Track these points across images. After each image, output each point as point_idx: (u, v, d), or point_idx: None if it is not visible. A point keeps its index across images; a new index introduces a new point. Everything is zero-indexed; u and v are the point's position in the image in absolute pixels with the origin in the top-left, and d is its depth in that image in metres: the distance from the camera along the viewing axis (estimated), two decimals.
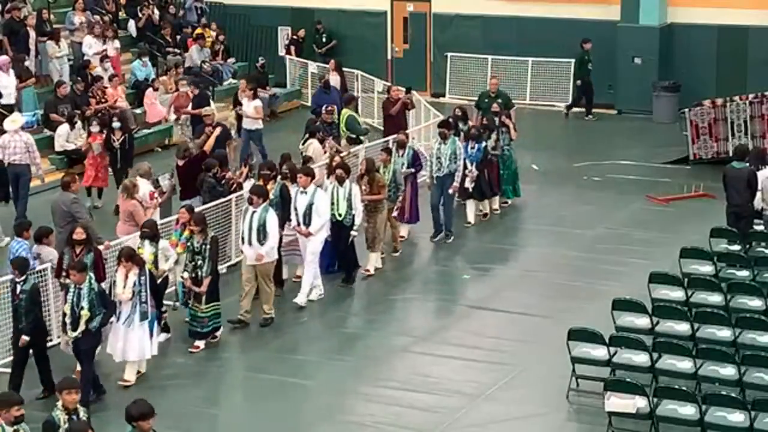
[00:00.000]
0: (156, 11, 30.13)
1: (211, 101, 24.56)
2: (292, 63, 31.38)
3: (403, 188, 18.95)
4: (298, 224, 16.93)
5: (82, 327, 13.59)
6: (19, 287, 13.89)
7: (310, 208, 16.78)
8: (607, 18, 28.69)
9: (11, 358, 14.34)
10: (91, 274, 13.89)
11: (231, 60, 30.29)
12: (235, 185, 18.61)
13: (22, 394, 11.81)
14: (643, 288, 15.82)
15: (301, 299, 16.97)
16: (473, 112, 22.85)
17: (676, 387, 12.88)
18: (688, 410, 12.51)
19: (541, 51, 29.53)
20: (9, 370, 14.22)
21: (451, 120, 21.17)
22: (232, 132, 23.00)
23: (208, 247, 15.38)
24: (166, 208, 18.62)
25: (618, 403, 12.76)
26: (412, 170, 19.36)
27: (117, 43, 27.69)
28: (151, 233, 15.38)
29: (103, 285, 14.44)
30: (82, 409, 10.94)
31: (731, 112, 23.65)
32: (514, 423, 13.72)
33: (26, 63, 24.80)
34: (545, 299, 17.26)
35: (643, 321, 14.67)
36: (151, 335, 14.62)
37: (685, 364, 13.54)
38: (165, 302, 16.10)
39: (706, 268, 16.49)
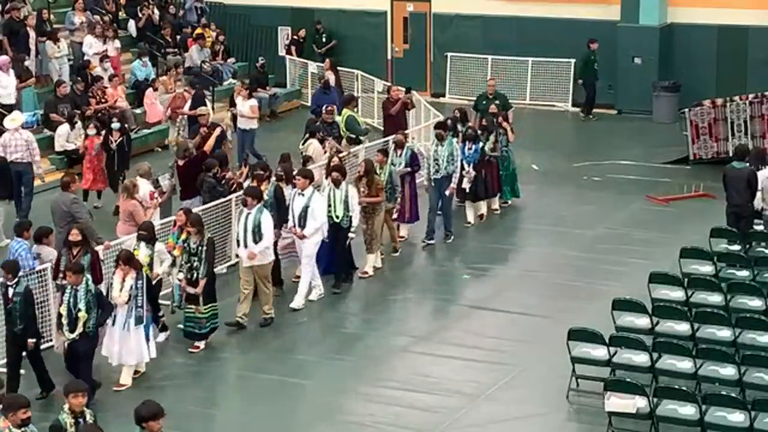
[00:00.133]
0: (156, 11, 30.13)
1: (207, 102, 24.51)
2: (292, 63, 31.38)
3: (400, 189, 18.93)
4: (294, 225, 16.90)
5: (80, 329, 13.57)
6: (11, 290, 13.80)
7: (306, 210, 16.75)
8: (607, 18, 28.68)
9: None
10: (88, 276, 13.86)
11: (231, 60, 30.28)
12: (235, 185, 18.61)
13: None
14: (643, 288, 15.81)
15: (297, 302, 16.96)
16: (472, 114, 22.84)
17: (676, 387, 12.88)
18: (688, 410, 12.51)
19: (541, 51, 29.52)
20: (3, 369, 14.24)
21: (449, 121, 21.17)
22: (228, 133, 22.97)
23: (204, 248, 15.34)
24: (166, 208, 18.61)
25: (618, 403, 12.75)
26: (409, 169, 19.33)
27: (117, 43, 27.70)
28: (148, 236, 15.34)
29: (100, 287, 14.42)
30: (89, 412, 10.89)
31: (731, 112, 23.65)
32: (514, 423, 13.72)
33: (26, 63, 24.80)
34: (545, 299, 17.25)
35: (643, 321, 14.67)
36: (147, 339, 14.59)
37: (685, 364, 13.54)
38: (162, 302, 16.10)
39: (706, 268, 16.48)
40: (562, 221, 20.80)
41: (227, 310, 16.23)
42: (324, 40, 31.80)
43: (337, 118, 22.21)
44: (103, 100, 24.65)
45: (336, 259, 17.69)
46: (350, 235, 17.54)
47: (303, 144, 21.04)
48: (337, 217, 17.24)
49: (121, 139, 21.20)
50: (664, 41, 28.46)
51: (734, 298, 15.30)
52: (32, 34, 25.53)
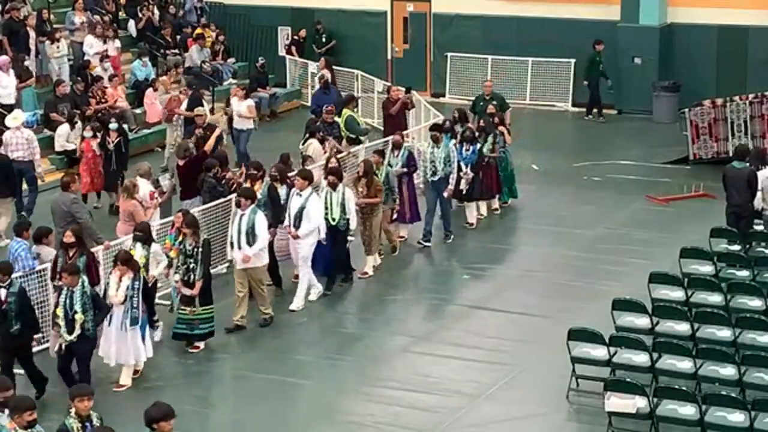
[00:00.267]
0: (156, 11, 30.12)
1: (204, 102, 24.48)
2: (292, 63, 31.37)
3: (396, 190, 18.90)
4: (289, 225, 16.87)
5: (77, 331, 13.54)
6: (4, 291, 13.73)
7: (302, 211, 16.72)
8: (607, 18, 28.67)
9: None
10: (84, 277, 13.82)
11: (231, 60, 30.28)
12: (235, 185, 18.58)
13: None
14: (643, 288, 15.81)
15: (297, 304, 16.94)
16: (471, 115, 22.79)
17: (676, 387, 12.88)
18: (688, 410, 12.51)
19: (541, 51, 29.52)
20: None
21: (447, 122, 21.14)
22: (223, 134, 22.91)
23: (200, 249, 15.28)
24: (166, 208, 18.60)
25: (618, 403, 12.75)
26: (405, 170, 19.31)
27: (118, 43, 27.71)
28: (144, 236, 15.29)
29: (96, 289, 14.37)
30: (95, 415, 10.84)
31: (731, 112, 23.65)
32: (514, 423, 13.72)
33: (26, 63, 24.80)
34: (545, 299, 17.25)
35: (643, 321, 14.67)
36: (143, 339, 14.54)
37: (685, 364, 13.54)
38: (162, 302, 16.08)
39: (706, 268, 16.48)
40: (562, 221, 20.79)
41: (227, 310, 16.24)
42: (324, 40, 31.79)
43: (336, 118, 22.20)
44: (103, 100, 24.66)
45: (332, 261, 17.65)
46: (350, 237, 17.50)
47: (303, 144, 21.04)
48: (334, 219, 17.18)
49: (118, 139, 21.11)
50: (664, 41, 28.46)
51: (734, 298, 15.30)
52: (32, 34, 25.53)
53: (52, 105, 23.55)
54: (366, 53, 31.28)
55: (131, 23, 29.74)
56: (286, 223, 17.00)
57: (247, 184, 17.14)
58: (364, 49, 31.36)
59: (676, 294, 15.52)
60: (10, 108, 22.65)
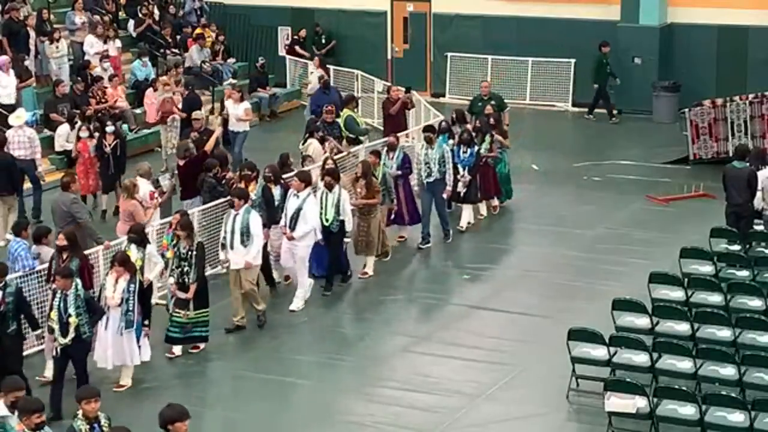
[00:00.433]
0: (156, 11, 30.11)
1: (201, 103, 24.39)
2: (292, 63, 31.36)
3: (394, 191, 18.86)
4: (284, 226, 16.81)
5: (72, 334, 13.46)
6: (0, 293, 13.66)
7: (298, 212, 16.65)
8: (607, 18, 28.67)
9: None
10: (78, 280, 13.72)
11: (231, 60, 30.26)
12: (235, 185, 18.56)
13: None
14: (643, 288, 15.81)
15: (296, 304, 16.92)
16: (468, 116, 22.72)
17: (676, 387, 12.88)
18: (688, 410, 12.51)
19: (541, 51, 29.51)
20: None
21: (444, 123, 21.10)
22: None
23: (194, 252, 15.22)
24: (166, 208, 18.59)
25: (618, 403, 12.75)
26: (399, 172, 19.27)
27: (118, 43, 27.72)
28: (138, 238, 15.18)
29: (90, 292, 14.28)
30: (103, 416, 10.80)
31: (731, 112, 23.65)
32: (514, 423, 13.72)
33: (26, 63, 24.80)
34: (545, 299, 17.25)
35: (643, 321, 14.67)
36: (139, 341, 14.47)
37: (685, 364, 13.54)
38: (160, 302, 16.05)
39: (706, 268, 16.48)
40: (562, 221, 20.79)
41: (226, 311, 16.22)
42: (323, 41, 31.77)
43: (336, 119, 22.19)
44: (103, 100, 24.65)
45: (328, 262, 17.62)
46: (346, 240, 17.43)
47: (303, 144, 21.03)
48: (327, 220, 17.12)
49: (115, 142, 20.96)
50: (664, 41, 28.45)
51: (734, 298, 15.30)
52: (32, 34, 25.54)
53: (51, 105, 23.55)
54: (366, 53, 31.27)
55: (131, 23, 29.73)
56: (281, 223, 16.96)
57: (241, 185, 17.10)
58: (364, 49, 31.35)
59: (676, 294, 15.52)
60: (10, 108, 22.67)
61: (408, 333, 16.32)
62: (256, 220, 16.00)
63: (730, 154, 21.42)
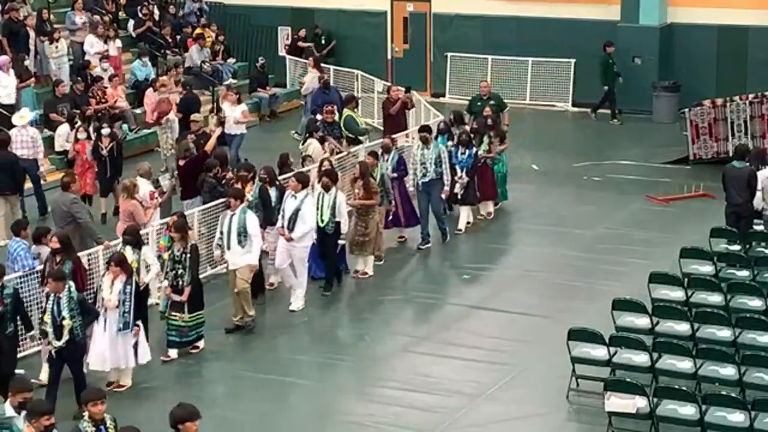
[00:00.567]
0: (156, 11, 30.11)
1: (200, 103, 24.34)
2: (292, 63, 31.36)
3: (392, 192, 18.85)
4: (282, 227, 16.77)
5: (66, 336, 13.38)
6: None
7: (297, 213, 16.61)
8: (607, 18, 28.67)
9: None
10: (71, 283, 13.63)
11: (231, 60, 30.26)
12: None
13: None
14: (643, 288, 15.81)
15: (296, 305, 16.91)
16: (467, 116, 22.68)
17: (676, 387, 12.88)
18: (688, 410, 12.51)
19: (541, 51, 29.51)
20: None
21: (442, 125, 21.07)
22: None
23: (188, 255, 15.18)
24: (166, 208, 18.59)
25: (618, 403, 12.75)
26: (395, 174, 19.24)
27: (119, 43, 27.72)
28: (133, 240, 15.11)
29: (84, 294, 14.23)
30: (109, 417, 10.80)
31: (731, 112, 23.65)
32: (514, 423, 13.72)
33: (26, 63, 24.81)
34: (545, 299, 17.25)
35: (643, 321, 14.67)
36: (136, 343, 14.41)
37: (685, 364, 13.54)
38: (157, 302, 16.04)
39: (706, 268, 16.48)
40: (562, 221, 20.79)
41: (225, 311, 16.21)
42: (323, 42, 31.77)
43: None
44: (103, 100, 24.65)
45: (325, 263, 17.57)
46: (340, 242, 17.35)
47: (303, 144, 21.02)
48: (323, 221, 17.08)
49: (111, 144, 20.81)
50: (664, 41, 28.46)
51: (734, 298, 15.30)
52: (32, 34, 25.54)
53: (51, 105, 23.56)
54: (366, 53, 31.28)
55: (131, 23, 29.73)
56: (278, 225, 16.92)
57: (238, 186, 17.07)
58: (364, 49, 31.36)
59: (676, 294, 15.52)
60: (10, 108, 22.68)
61: (408, 333, 16.32)
62: (253, 220, 15.97)
63: (730, 154, 21.42)
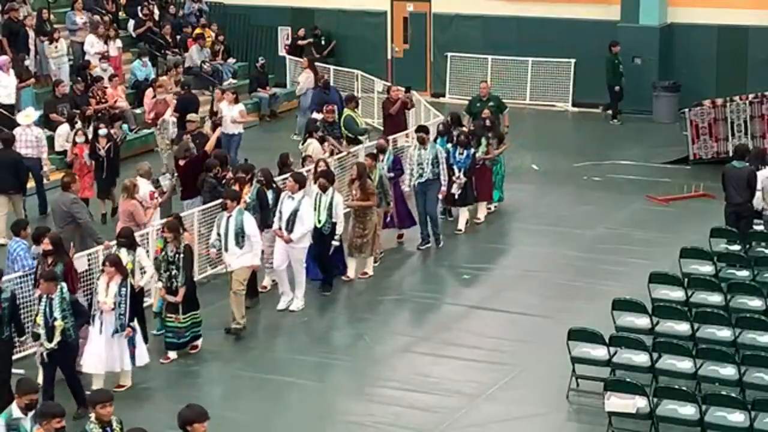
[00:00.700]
0: (156, 11, 30.11)
1: (198, 102, 24.31)
2: (292, 63, 31.36)
3: (390, 193, 18.84)
4: (280, 228, 16.71)
5: (57, 338, 13.34)
6: None
7: (295, 214, 16.58)
8: (607, 18, 28.68)
9: None
10: (63, 284, 13.58)
11: (231, 60, 30.27)
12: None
13: None
14: (643, 288, 15.81)
15: (296, 305, 16.89)
16: (465, 117, 22.61)
17: (676, 387, 12.88)
18: (688, 410, 12.50)
19: (541, 51, 29.51)
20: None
21: (441, 126, 21.05)
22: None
23: (181, 255, 15.13)
24: (167, 208, 18.59)
25: (618, 403, 12.75)
26: (391, 174, 19.23)
27: (119, 43, 27.72)
28: (128, 242, 15.06)
29: (76, 296, 14.18)
30: (115, 419, 10.78)
31: (731, 112, 23.65)
32: (514, 423, 13.72)
33: (26, 63, 24.81)
34: (545, 299, 17.25)
35: (643, 321, 14.67)
36: (134, 345, 14.36)
37: (685, 364, 13.53)
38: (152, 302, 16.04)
39: (706, 268, 16.48)
40: (562, 221, 20.79)
41: (225, 311, 16.21)
42: (323, 43, 31.77)
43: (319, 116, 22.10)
44: (103, 100, 24.65)
45: (324, 264, 17.53)
46: (333, 243, 17.30)
47: (303, 144, 21.02)
48: (320, 222, 17.03)
49: (108, 145, 20.76)
50: (664, 41, 28.46)
51: (734, 298, 15.30)
52: (31, 34, 25.54)
53: (51, 105, 23.55)
54: (366, 53, 31.28)
55: (131, 23, 29.73)
56: (275, 227, 16.88)
57: (236, 187, 17.05)
58: (364, 49, 31.36)
59: (676, 294, 15.52)
60: (10, 108, 22.68)
61: (408, 333, 16.32)
62: (250, 221, 15.94)
63: (730, 154, 21.42)
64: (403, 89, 24.58)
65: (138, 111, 25.93)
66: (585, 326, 14.14)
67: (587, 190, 22.83)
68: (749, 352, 13.65)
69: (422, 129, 20.04)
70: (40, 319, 13.38)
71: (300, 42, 31.48)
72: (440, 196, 19.48)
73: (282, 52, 32.14)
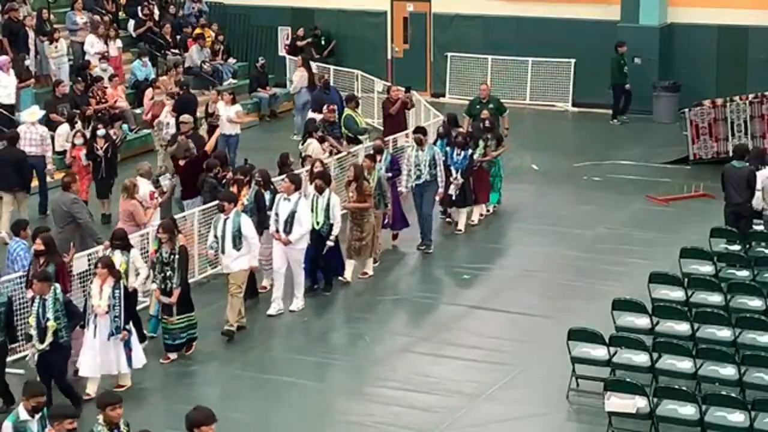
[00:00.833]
0: (156, 11, 30.11)
1: (197, 103, 24.28)
2: (292, 63, 31.34)
3: (389, 195, 18.82)
4: (277, 231, 16.66)
5: (49, 339, 13.28)
6: None
7: (292, 216, 16.53)
8: (607, 18, 28.68)
9: None
10: (56, 285, 13.54)
11: (231, 60, 30.28)
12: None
13: None
14: (643, 288, 15.81)
15: (296, 305, 16.88)
16: (462, 119, 22.56)
17: (676, 387, 12.88)
18: (688, 410, 12.50)
19: (541, 51, 29.52)
20: None
21: (440, 128, 21.04)
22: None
23: (176, 256, 15.09)
24: (166, 209, 18.59)
25: (618, 403, 12.75)
26: (389, 174, 19.21)
27: (119, 43, 27.72)
28: (122, 244, 15.03)
29: (69, 297, 14.14)
30: (123, 421, 10.76)
31: (731, 112, 23.65)
32: (514, 423, 13.72)
33: (26, 63, 24.81)
34: (545, 299, 17.25)
35: (643, 321, 14.67)
36: (129, 348, 14.30)
37: (685, 364, 13.53)
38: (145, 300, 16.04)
39: (706, 268, 16.48)
40: (562, 221, 20.79)
41: (222, 312, 16.19)
42: (323, 43, 31.76)
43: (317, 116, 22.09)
44: (103, 100, 24.65)
45: (322, 265, 17.52)
46: (329, 243, 17.23)
47: (302, 144, 21.02)
48: (318, 223, 17.02)
49: (107, 145, 20.70)
50: (664, 41, 28.46)
51: (734, 298, 15.30)
52: (31, 34, 25.54)
53: (51, 105, 23.53)
54: (366, 53, 31.29)
55: (131, 23, 29.73)
56: (271, 229, 16.83)
57: (234, 189, 17.02)
58: (364, 49, 31.37)
59: (676, 294, 15.52)
60: (10, 108, 22.67)
61: (407, 333, 16.32)
62: (247, 223, 15.90)
63: (730, 154, 21.42)
64: (403, 89, 24.58)
65: (138, 111, 25.93)
66: (585, 326, 14.14)
67: (587, 190, 22.83)
68: (749, 352, 13.65)
69: (420, 130, 20.03)
70: (32, 321, 13.32)
71: (299, 42, 31.49)
72: (437, 198, 19.46)
73: (282, 52, 32.15)
